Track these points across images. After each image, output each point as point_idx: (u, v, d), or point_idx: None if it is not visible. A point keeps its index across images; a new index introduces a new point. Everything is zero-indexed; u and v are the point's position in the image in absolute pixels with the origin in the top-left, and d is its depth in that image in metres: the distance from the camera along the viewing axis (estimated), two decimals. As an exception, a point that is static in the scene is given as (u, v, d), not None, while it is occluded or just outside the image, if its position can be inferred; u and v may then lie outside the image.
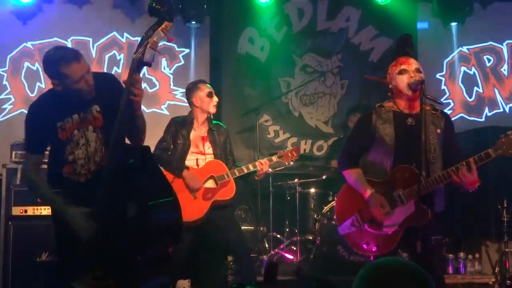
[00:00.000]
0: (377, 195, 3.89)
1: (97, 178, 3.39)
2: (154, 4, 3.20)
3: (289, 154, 5.33)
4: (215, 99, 5.25)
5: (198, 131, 5.20)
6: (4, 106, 7.10)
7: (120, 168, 3.30)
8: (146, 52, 3.21)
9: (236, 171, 5.12)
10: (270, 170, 5.80)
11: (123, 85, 3.35)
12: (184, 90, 7.33)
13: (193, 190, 5.01)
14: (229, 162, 5.25)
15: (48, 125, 3.53)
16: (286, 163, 5.44)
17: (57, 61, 3.40)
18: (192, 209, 4.93)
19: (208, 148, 5.18)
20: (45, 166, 3.78)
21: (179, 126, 5.17)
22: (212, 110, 5.25)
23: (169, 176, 4.96)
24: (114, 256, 3.32)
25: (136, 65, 3.25)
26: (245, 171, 5.15)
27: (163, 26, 3.25)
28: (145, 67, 3.37)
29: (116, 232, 3.31)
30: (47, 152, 3.71)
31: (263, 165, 5.17)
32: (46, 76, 3.50)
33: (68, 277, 3.42)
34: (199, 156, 5.15)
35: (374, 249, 3.95)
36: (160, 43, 3.29)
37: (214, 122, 5.34)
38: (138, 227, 3.31)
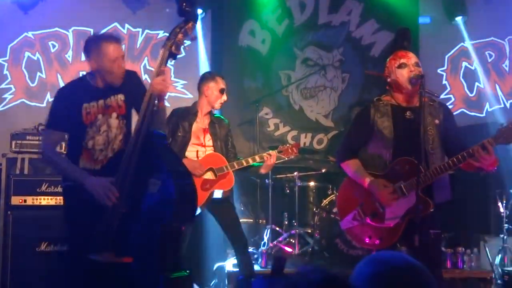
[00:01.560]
0: (377, 180, 3.90)
1: (112, 165, 3.61)
2: (184, 6, 3.66)
3: (289, 150, 5.31)
4: (224, 97, 5.23)
5: (200, 123, 5.19)
6: (4, 96, 7.09)
7: (144, 150, 3.53)
8: (174, 45, 3.64)
9: (235, 163, 5.11)
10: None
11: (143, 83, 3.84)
12: (185, 82, 7.43)
13: (195, 175, 4.98)
14: (230, 155, 5.24)
15: (74, 105, 3.74)
16: (286, 158, 5.43)
17: (101, 37, 3.81)
18: None
19: (208, 140, 5.18)
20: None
21: (181, 118, 5.15)
22: (217, 106, 5.25)
23: None
24: (131, 232, 3.50)
25: (167, 55, 3.64)
26: (244, 164, 5.13)
27: (189, 25, 3.68)
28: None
29: (134, 207, 3.50)
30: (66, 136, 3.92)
31: (272, 157, 5.14)
32: (66, 73, 3.80)
33: (78, 256, 3.56)
34: (200, 148, 5.15)
35: (377, 242, 3.96)
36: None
37: (216, 115, 5.34)
38: (155, 205, 3.50)
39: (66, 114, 3.75)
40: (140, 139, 3.52)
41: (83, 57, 7.06)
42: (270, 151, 5.19)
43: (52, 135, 3.82)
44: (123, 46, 3.87)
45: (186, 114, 5.17)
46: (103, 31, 7.27)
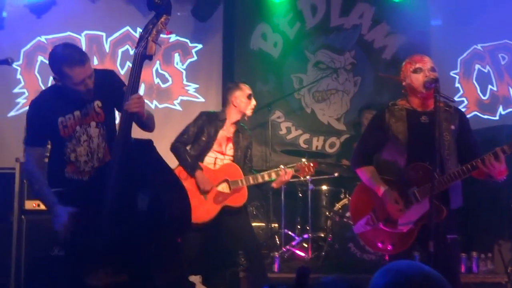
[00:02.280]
0: (391, 192, 3.88)
1: (100, 176, 3.40)
2: None
3: (306, 169, 5.24)
4: (253, 102, 5.21)
5: (226, 131, 5.15)
6: (18, 100, 7.12)
7: (126, 162, 3.31)
8: (148, 45, 3.31)
9: (250, 178, 5.04)
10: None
11: (123, 80, 3.49)
12: (197, 86, 7.43)
13: (204, 191, 4.98)
14: (246, 167, 5.21)
15: (49, 120, 3.56)
16: (302, 178, 5.37)
17: (61, 61, 3.45)
18: (202, 211, 4.90)
19: (229, 149, 5.15)
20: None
21: (208, 122, 5.10)
22: (249, 112, 5.22)
23: (183, 174, 4.96)
24: (125, 250, 3.34)
25: (140, 59, 3.33)
26: (260, 180, 5.07)
27: (162, 19, 3.36)
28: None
29: (125, 226, 3.31)
30: (48, 146, 3.73)
31: (288, 174, 5.07)
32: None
33: (75, 274, 3.43)
34: (219, 155, 5.11)
35: (389, 247, 3.93)
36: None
37: (241, 124, 5.31)
38: (146, 219, 3.32)
39: (42, 128, 3.60)
40: (120, 157, 3.30)
41: (95, 61, 7.15)
42: (287, 168, 5.12)
43: (33, 151, 3.64)
44: (90, 63, 3.53)
45: (214, 120, 5.12)
46: (115, 35, 7.34)
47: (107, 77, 3.72)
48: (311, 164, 5.27)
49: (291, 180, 6.62)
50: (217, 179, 5.04)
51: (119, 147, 3.32)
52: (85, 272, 3.37)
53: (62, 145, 3.59)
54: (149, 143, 3.43)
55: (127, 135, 3.34)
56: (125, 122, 3.33)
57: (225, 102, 5.26)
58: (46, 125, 3.57)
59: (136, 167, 3.36)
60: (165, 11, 3.36)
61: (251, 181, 5.05)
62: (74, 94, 3.53)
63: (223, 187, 5.05)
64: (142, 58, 3.32)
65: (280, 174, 5.06)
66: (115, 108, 3.75)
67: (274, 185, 5.18)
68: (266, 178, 5.08)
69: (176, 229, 3.53)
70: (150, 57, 3.35)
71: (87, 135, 3.61)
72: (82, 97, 3.56)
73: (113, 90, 3.59)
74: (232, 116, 5.15)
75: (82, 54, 3.51)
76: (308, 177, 6.54)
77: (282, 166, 5.10)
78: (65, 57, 3.44)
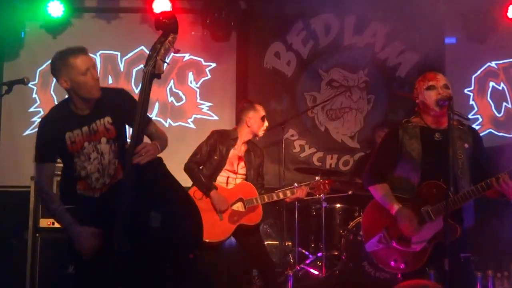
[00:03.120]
0: (404, 210, 3.86)
1: (111, 192, 3.44)
2: (161, 18, 3.38)
3: (321, 187, 5.25)
4: (266, 123, 5.24)
5: (238, 150, 5.17)
6: (33, 119, 7.20)
7: (139, 181, 3.33)
8: (157, 64, 3.34)
9: (265, 197, 5.06)
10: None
11: (136, 98, 3.46)
12: (210, 104, 7.47)
13: (219, 211, 4.99)
14: (258, 185, 5.22)
15: (57, 135, 3.58)
16: (317, 196, 5.37)
17: (65, 53, 3.55)
18: (217, 231, 4.92)
19: (241, 168, 5.16)
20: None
21: (219, 141, 5.13)
22: (261, 133, 5.24)
23: (198, 193, 4.97)
24: (138, 269, 3.34)
25: (149, 78, 3.35)
26: (275, 198, 5.09)
27: (169, 38, 3.39)
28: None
29: (139, 244, 3.32)
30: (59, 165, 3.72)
31: (303, 191, 5.09)
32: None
33: None
34: (231, 174, 5.12)
35: (402, 266, 3.90)
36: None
37: (252, 141, 5.32)
38: (158, 237, 3.33)
39: (50, 144, 3.62)
40: (131, 176, 3.32)
41: (110, 80, 7.22)
42: (303, 186, 5.12)
43: (43, 169, 3.65)
44: (91, 56, 3.65)
45: (226, 139, 5.14)
46: (130, 54, 7.41)
47: (117, 94, 3.75)
48: (326, 182, 5.27)
49: (305, 198, 6.64)
50: (232, 198, 5.05)
51: (130, 171, 3.34)
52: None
53: (71, 161, 3.60)
54: (159, 160, 3.44)
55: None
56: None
57: (238, 121, 5.27)
58: (54, 140, 3.59)
59: (146, 185, 3.37)
60: (172, 30, 3.40)
61: (266, 200, 5.05)
62: (83, 95, 3.55)
63: (238, 206, 5.06)
64: (151, 77, 3.36)
65: (295, 192, 5.06)
66: (126, 125, 3.76)
67: (287, 200, 5.18)
68: (281, 196, 5.09)
69: (187, 245, 3.51)
70: (158, 76, 3.38)
71: (98, 151, 3.61)
72: (92, 103, 3.58)
73: (124, 107, 3.61)
74: (244, 135, 5.17)
75: (81, 46, 3.61)
76: (322, 195, 6.54)
77: (296, 184, 5.10)
78: (67, 49, 3.56)
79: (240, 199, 5.06)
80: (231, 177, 5.11)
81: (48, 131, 3.61)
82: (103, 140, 3.61)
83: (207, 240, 4.79)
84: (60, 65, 3.55)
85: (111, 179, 3.61)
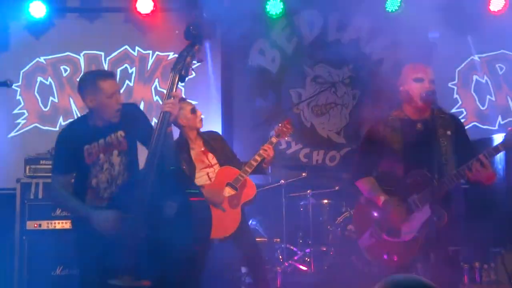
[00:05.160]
0: (390, 200, 3.89)
1: (118, 201, 3.66)
2: (191, 30, 3.74)
3: (284, 129, 5.26)
4: (199, 113, 5.19)
5: (196, 147, 5.14)
6: (17, 121, 7.15)
7: (158, 174, 3.57)
8: (183, 69, 3.69)
9: (246, 168, 5.04)
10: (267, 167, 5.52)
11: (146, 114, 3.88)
12: (196, 103, 7.42)
13: (218, 204, 4.98)
14: (235, 162, 5.22)
15: (76, 148, 3.78)
16: (286, 138, 5.39)
17: (96, 74, 3.87)
18: (227, 222, 4.92)
19: (212, 159, 5.14)
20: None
21: (177, 152, 5.09)
22: (199, 125, 5.18)
23: None
24: (150, 256, 3.50)
25: (178, 79, 3.69)
26: (254, 164, 5.06)
27: (196, 48, 3.75)
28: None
29: (153, 232, 3.50)
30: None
31: (268, 150, 5.08)
32: (79, 97, 3.88)
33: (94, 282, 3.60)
34: (208, 169, 5.11)
35: (395, 259, 3.92)
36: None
37: (205, 131, 5.29)
38: (170, 226, 3.51)
39: (69, 157, 3.81)
40: (156, 159, 3.56)
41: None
42: (264, 146, 5.10)
43: (61, 179, 3.85)
44: (117, 80, 3.97)
45: (180, 147, 5.06)
46: (114, 54, 7.37)
47: (130, 109, 3.98)
48: (285, 122, 5.30)
49: (292, 194, 6.66)
50: (220, 187, 5.04)
51: (154, 155, 3.58)
52: (109, 275, 3.50)
53: (86, 171, 3.81)
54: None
55: (163, 141, 3.61)
56: (161, 126, 3.62)
57: (176, 126, 5.22)
58: (73, 153, 3.79)
59: (165, 179, 3.61)
60: (199, 42, 3.79)
61: (248, 170, 5.04)
62: (103, 117, 3.79)
63: (230, 191, 5.05)
64: (180, 79, 3.69)
65: (264, 155, 5.06)
66: (137, 141, 3.97)
67: (264, 165, 5.14)
68: (258, 159, 5.06)
69: (196, 237, 3.70)
70: (184, 79, 3.72)
71: (109, 163, 3.82)
72: (110, 119, 3.79)
73: (137, 122, 3.87)
74: (189, 133, 5.13)
75: (111, 71, 4.01)
76: (308, 191, 6.56)
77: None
78: (99, 71, 4.06)
79: (228, 184, 5.05)
80: (210, 171, 5.10)
81: (67, 144, 3.82)
82: (115, 152, 3.85)
83: (226, 235, 4.89)
84: (89, 85, 3.79)
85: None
